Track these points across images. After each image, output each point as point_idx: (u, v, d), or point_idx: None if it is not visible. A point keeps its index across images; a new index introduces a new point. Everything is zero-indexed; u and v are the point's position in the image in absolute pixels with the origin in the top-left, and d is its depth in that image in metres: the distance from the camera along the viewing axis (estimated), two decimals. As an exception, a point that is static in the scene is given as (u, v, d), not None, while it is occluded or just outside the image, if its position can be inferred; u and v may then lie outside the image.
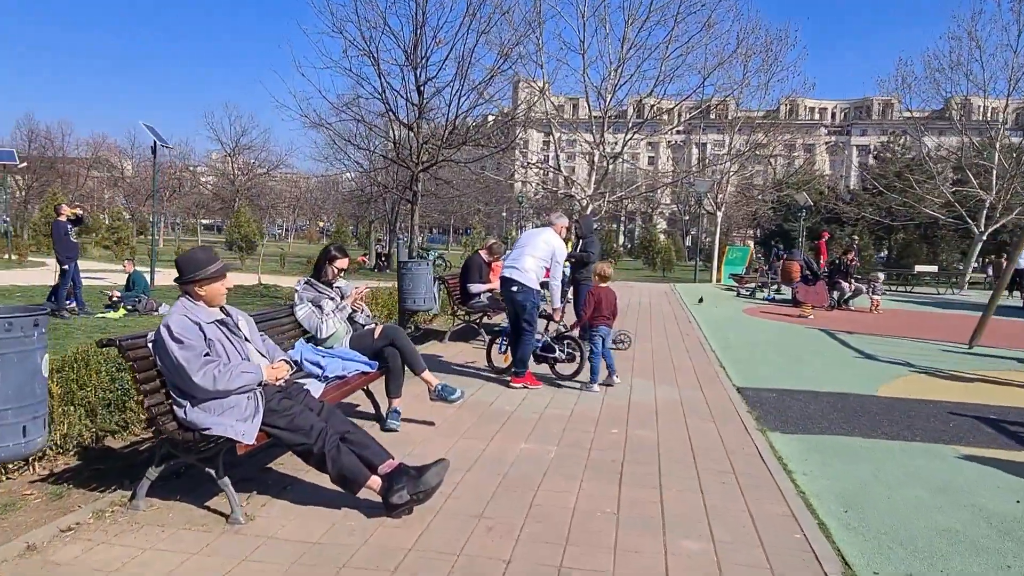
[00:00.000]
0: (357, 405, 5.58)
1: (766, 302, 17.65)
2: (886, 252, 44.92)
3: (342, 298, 5.17)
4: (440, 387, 4.99)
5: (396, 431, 4.92)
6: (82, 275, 12.57)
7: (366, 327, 5.23)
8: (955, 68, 27.19)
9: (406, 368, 5.04)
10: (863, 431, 5.51)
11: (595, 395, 6.39)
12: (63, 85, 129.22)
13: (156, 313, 12.76)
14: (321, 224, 71.71)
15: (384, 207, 33.68)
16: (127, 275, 13.41)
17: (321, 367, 4.70)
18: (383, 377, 5.04)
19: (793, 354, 9.30)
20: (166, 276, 23.59)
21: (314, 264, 5.30)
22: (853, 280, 16.50)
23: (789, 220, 48.21)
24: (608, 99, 22.15)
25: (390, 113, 12.86)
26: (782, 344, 10.23)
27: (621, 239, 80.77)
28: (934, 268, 28.08)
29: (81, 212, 12.79)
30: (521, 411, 5.71)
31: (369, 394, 5.33)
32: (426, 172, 13.65)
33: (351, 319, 5.25)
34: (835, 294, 15.95)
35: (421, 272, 6.94)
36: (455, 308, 9.45)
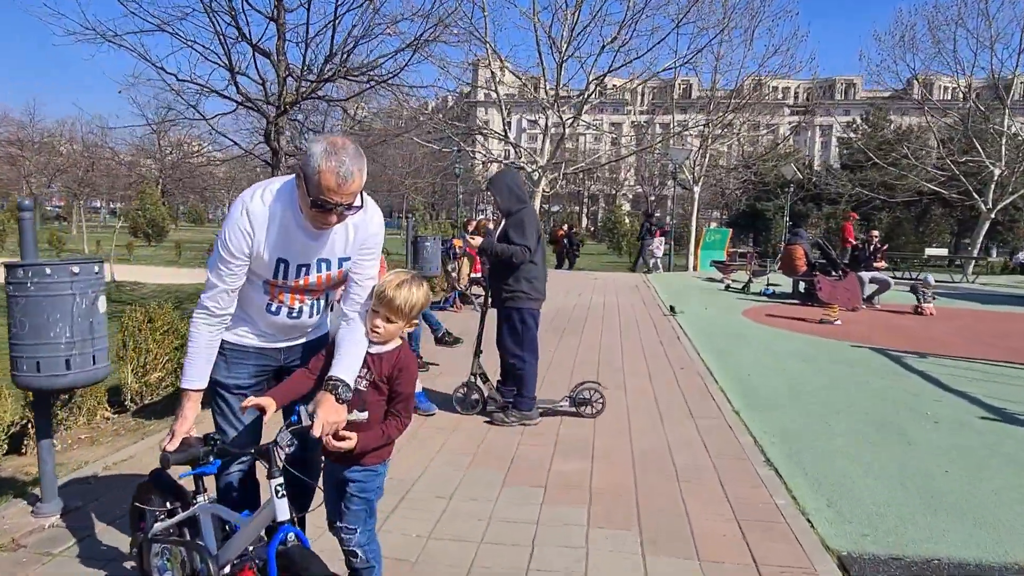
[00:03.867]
0: None
1: (765, 298, 13.76)
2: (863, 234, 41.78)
3: None
4: None
5: None
6: None
7: None
8: (959, 24, 23.68)
9: None
10: None
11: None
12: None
13: None
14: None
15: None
16: None
17: None
18: None
19: (877, 414, 5.29)
20: None
21: None
22: (879, 268, 12.74)
23: (761, 200, 44.96)
24: (564, 48, 18.00)
25: (233, 28, 8.48)
26: (841, 386, 6.22)
27: (584, 221, 76.76)
28: (943, 251, 24.63)
29: None
30: None
31: None
32: (288, 117, 9.31)
33: None
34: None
35: (58, 294, 2.70)
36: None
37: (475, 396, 4.97)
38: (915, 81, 23.77)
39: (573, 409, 4.90)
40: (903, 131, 35.90)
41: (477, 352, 4.95)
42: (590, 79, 17.22)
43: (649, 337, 8.44)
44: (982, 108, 24.51)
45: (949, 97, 27.41)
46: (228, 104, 9.00)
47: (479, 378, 4.96)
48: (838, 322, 10.29)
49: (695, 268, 21.60)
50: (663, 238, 20.96)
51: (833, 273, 12.21)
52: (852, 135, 42.57)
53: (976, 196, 23.76)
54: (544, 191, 19.30)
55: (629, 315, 10.36)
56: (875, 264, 12.62)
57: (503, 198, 4.70)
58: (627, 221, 44.97)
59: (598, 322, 9.52)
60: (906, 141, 29.57)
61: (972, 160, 23.53)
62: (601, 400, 4.93)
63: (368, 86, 8.55)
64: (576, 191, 77.41)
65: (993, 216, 24.01)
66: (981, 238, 24.54)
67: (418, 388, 5.00)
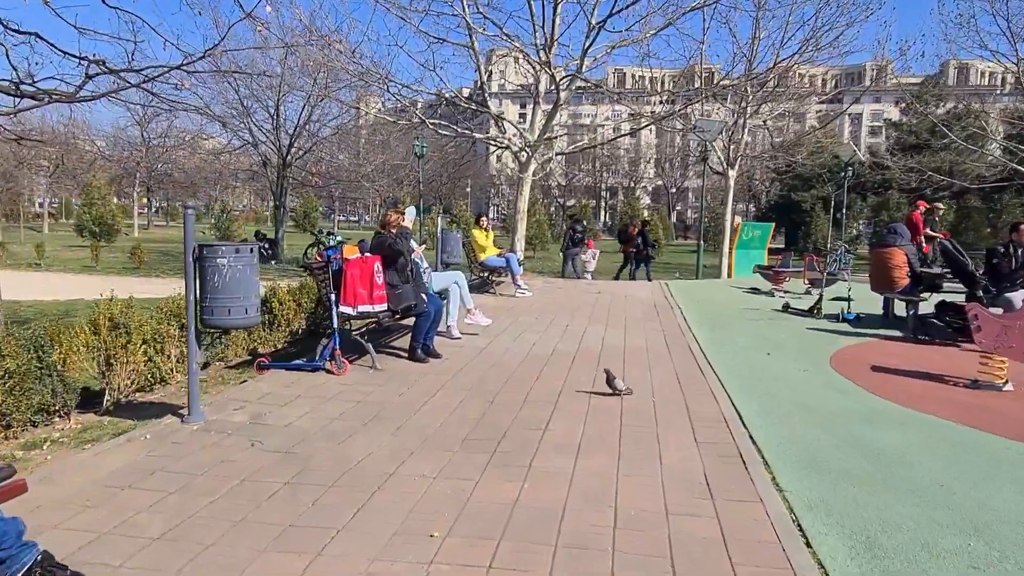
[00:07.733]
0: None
1: (847, 326, 9.30)
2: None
3: None
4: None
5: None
6: None
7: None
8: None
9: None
10: None
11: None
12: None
13: None
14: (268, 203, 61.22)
15: (269, 175, 25.31)
16: None
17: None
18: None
19: None
20: None
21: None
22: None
23: (797, 189, 40.39)
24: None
25: None
26: None
27: (603, 216, 71.98)
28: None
29: None
30: None
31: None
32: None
33: None
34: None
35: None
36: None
37: None
38: (1007, 36, 18.97)
39: None
40: (965, 108, 30.93)
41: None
42: (593, 22, 12.82)
43: (676, 450, 4.07)
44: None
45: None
46: None
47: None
48: (1009, 386, 5.90)
49: (730, 274, 17.11)
50: (595, 250, 17.24)
51: (960, 293, 7.78)
52: (904, 117, 37.54)
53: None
54: (558, 182, 14.99)
55: (640, 376, 5.98)
56: (1024, 278, 8.11)
57: None
58: (646, 215, 40.64)
59: (581, 405, 5.18)
60: (978, 115, 24.72)
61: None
62: None
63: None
64: (593, 184, 72.93)
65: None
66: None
67: None
